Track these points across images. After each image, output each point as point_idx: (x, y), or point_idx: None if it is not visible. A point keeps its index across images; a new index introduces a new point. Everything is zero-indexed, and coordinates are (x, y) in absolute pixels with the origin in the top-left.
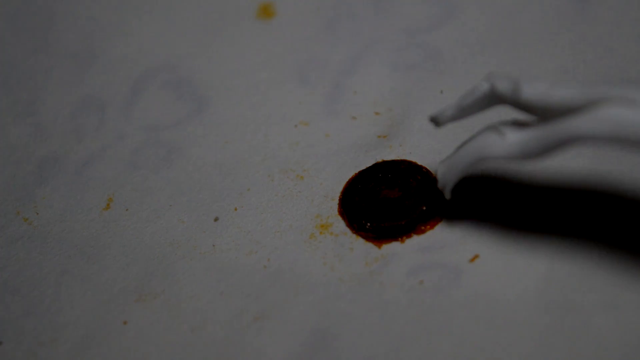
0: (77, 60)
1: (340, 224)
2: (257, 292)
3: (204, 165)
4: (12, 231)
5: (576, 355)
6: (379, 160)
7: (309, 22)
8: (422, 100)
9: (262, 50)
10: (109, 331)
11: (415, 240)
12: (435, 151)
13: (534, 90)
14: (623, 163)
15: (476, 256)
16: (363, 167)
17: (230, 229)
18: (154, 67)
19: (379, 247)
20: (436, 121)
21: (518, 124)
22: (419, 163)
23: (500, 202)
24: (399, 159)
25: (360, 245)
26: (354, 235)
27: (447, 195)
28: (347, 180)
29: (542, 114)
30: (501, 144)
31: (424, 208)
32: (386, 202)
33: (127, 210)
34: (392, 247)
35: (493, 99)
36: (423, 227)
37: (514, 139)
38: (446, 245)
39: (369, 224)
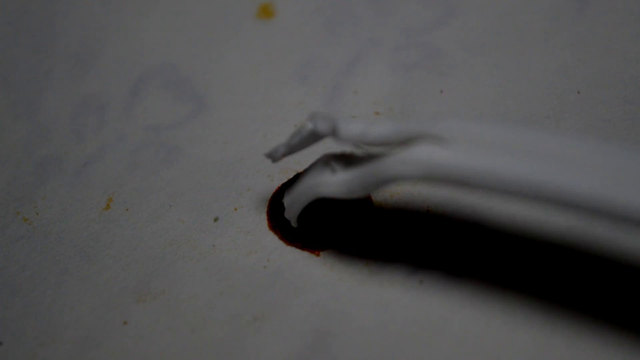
0: (77, 60)
1: None
2: (256, 293)
3: (204, 165)
4: (12, 231)
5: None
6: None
7: (308, 22)
8: (422, 100)
9: (262, 50)
10: (109, 331)
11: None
12: None
13: (350, 131)
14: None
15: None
16: None
17: (230, 229)
18: (154, 67)
19: (317, 254)
20: (272, 157)
21: (348, 157)
22: None
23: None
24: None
25: None
26: None
27: (294, 224)
28: None
29: (367, 147)
30: (333, 183)
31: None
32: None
33: (127, 210)
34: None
35: (318, 136)
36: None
37: (342, 178)
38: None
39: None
